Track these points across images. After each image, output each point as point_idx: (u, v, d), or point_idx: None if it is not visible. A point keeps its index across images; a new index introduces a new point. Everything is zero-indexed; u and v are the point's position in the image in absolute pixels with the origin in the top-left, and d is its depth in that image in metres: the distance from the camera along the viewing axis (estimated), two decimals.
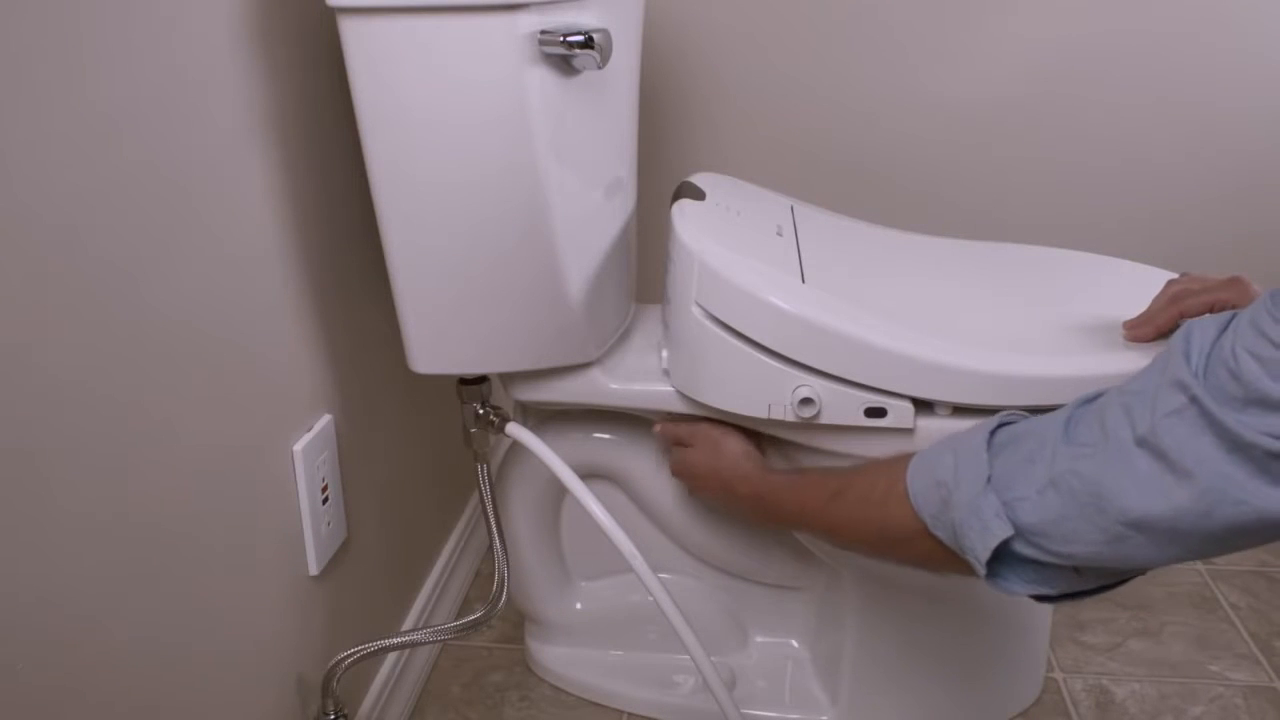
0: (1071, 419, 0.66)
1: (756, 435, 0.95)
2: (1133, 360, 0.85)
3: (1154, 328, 0.86)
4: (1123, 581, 0.69)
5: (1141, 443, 0.61)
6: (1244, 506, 0.58)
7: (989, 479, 0.67)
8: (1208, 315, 0.66)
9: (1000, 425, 0.71)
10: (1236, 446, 0.57)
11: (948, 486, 0.69)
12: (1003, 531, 0.65)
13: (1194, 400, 0.58)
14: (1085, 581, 0.68)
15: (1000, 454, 0.68)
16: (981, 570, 0.67)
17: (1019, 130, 1.34)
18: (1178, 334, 0.63)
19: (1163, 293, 0.87)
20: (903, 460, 0.75)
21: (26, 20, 0.55)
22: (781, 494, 0.88)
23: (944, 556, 0.72)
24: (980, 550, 0.67)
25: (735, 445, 0.94)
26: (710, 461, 0.95)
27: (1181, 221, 1.37)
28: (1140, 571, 0.68)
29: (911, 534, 0.73)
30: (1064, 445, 0.65)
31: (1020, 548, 0.66)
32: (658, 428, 1.00)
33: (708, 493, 0.98)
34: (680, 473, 0.99)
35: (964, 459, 0.69)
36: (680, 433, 0.98)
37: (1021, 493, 0.66)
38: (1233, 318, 0.61)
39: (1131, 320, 0.88)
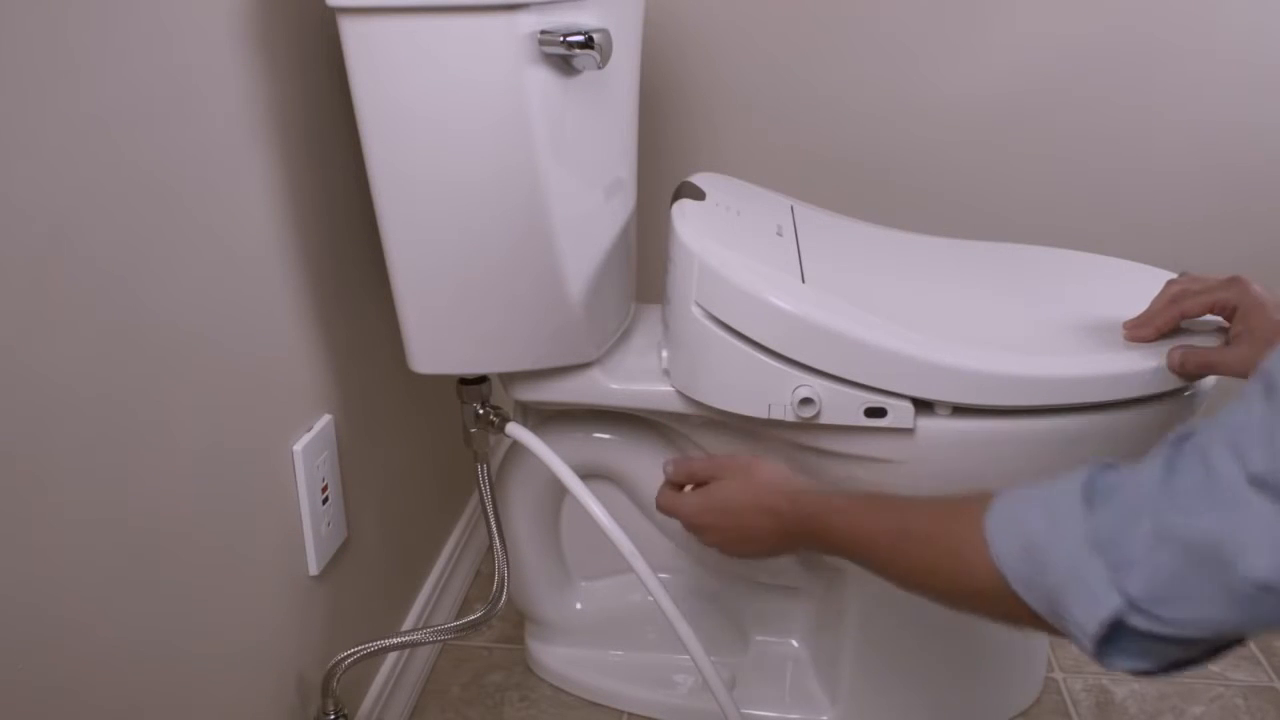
0: (1169, 461, 0.58)
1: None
2: (1133, 361, 0.85)
3: (1154, 328, 0.86)
4: (1233, 644, 0.60)
5: (1258, 482, 0.53)
6: None
7: (1091, 540, 0.59)
8: None
9: (1091, 476, 0.62)
10: None
11: (1041, 548, 0.61)
12: (1112, 603, 0.57)
13: None
14: (1190, 650, 0.59)
15: (1097, 509, 0.60)
16: (1090, 648, 0.59)
17: (1020, 130, 1.34)
18: (1276, 357, 0.55)
19: (1162, 293, 0.87)
20: (976, 505, 0.66)
21: (26, 19, 0.55)
22: (833, 519, 0.78)
23: (1029, 617, 0.63)
24: (1088, 623, 0.58)
25: (771, 465, 0.86)
26: (744, 487, 0.85)
27: (1183, 222, 1.37)
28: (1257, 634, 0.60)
29: (992, 592, 0.64)
30: (1165, 492, 0.57)
31: (1135, 620, 0.57)
32: (669, 468, 0.91)
33: (742, 530, 0.85)
34: (707, 515, 0.87)
35: (1058, 517, 0.61)
36: (697, 469, 0.89)
37: (1129, 554, 0.57)
38: None
39: (1132, 321, 0.88)
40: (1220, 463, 0.54)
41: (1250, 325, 0.81)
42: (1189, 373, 0.84)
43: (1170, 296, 0.86)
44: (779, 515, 0.82)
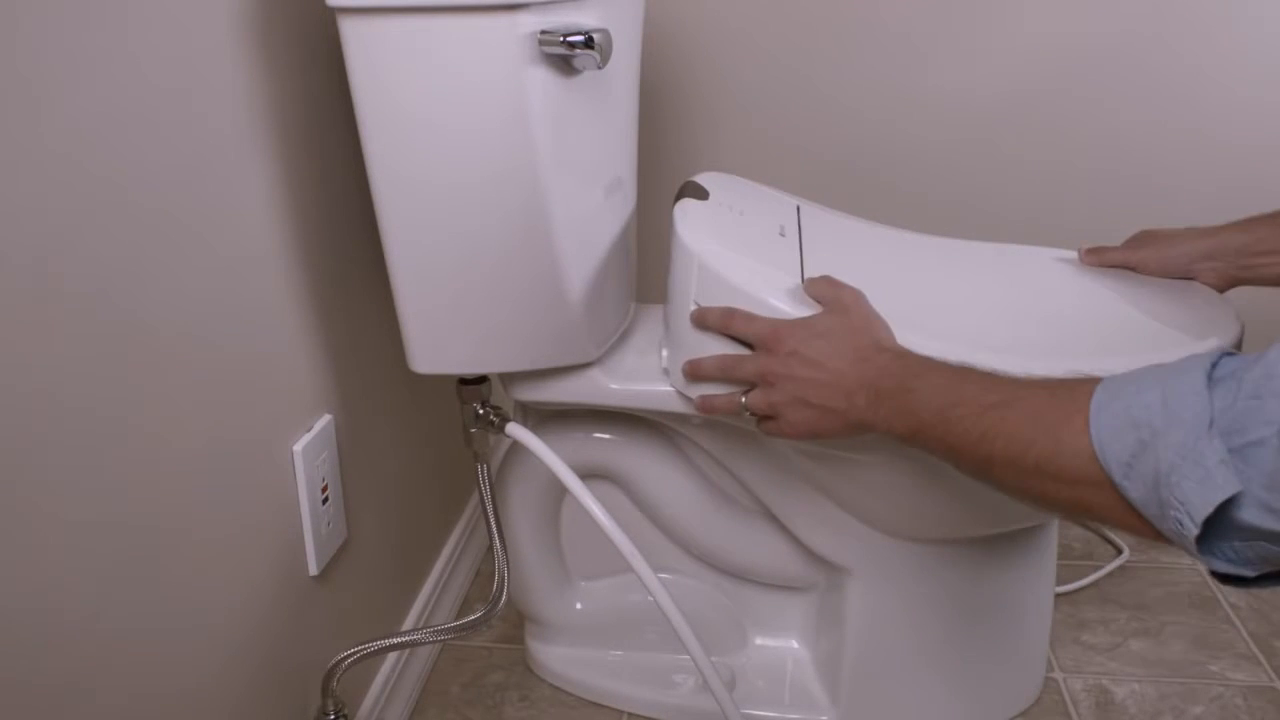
0: None
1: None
2: (1136, 362, 0.85)
3: (1103, 259, 0.97)
4: None
5: None
6: None
7: (1211, 420, 0.55)
8: None
9: (1215, 358, 0.58)
10: None
11: (1152, 428, 0.56)
12: (1229, 486, 0.53)
13: None
14: None
15: (1221, 390, 0.56)
16: (1193, 531, 0.55)
17: (1022, 131, 1.34)
18: None
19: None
20: (1084, 386, 0.62)
21: (27, 20, 0.55)
22: (930, 377, 0.72)
23: (1113, 507, 0.60)
24: (1197, 505, 0.54)
25: (869, 305, 0.79)
26: (840, 318, 0.77)
27: (1184, 222, 1.37)
28: None
29: (1081, 475, 0.61)
30: None
31: (1247, 513, 0.53)
32: (702, 317, 0.83)
33: (826, 373, 0.77)
34: (789, 341, 0.78)
35: (1177, 396, 0.57)
36: (760, 330, 0.81)
37: (1254, 436, 0.53)
38: None
39: (1092, 247, 0.99)
40: None
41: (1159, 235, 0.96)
42: (1097, 265, 0.96)
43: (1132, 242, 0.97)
44: (869, 363, 0.75)
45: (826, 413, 0.78)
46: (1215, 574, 0.58)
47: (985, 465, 0.68)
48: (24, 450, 0.56)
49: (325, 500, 0.90)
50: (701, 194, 0.99)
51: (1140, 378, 0.60)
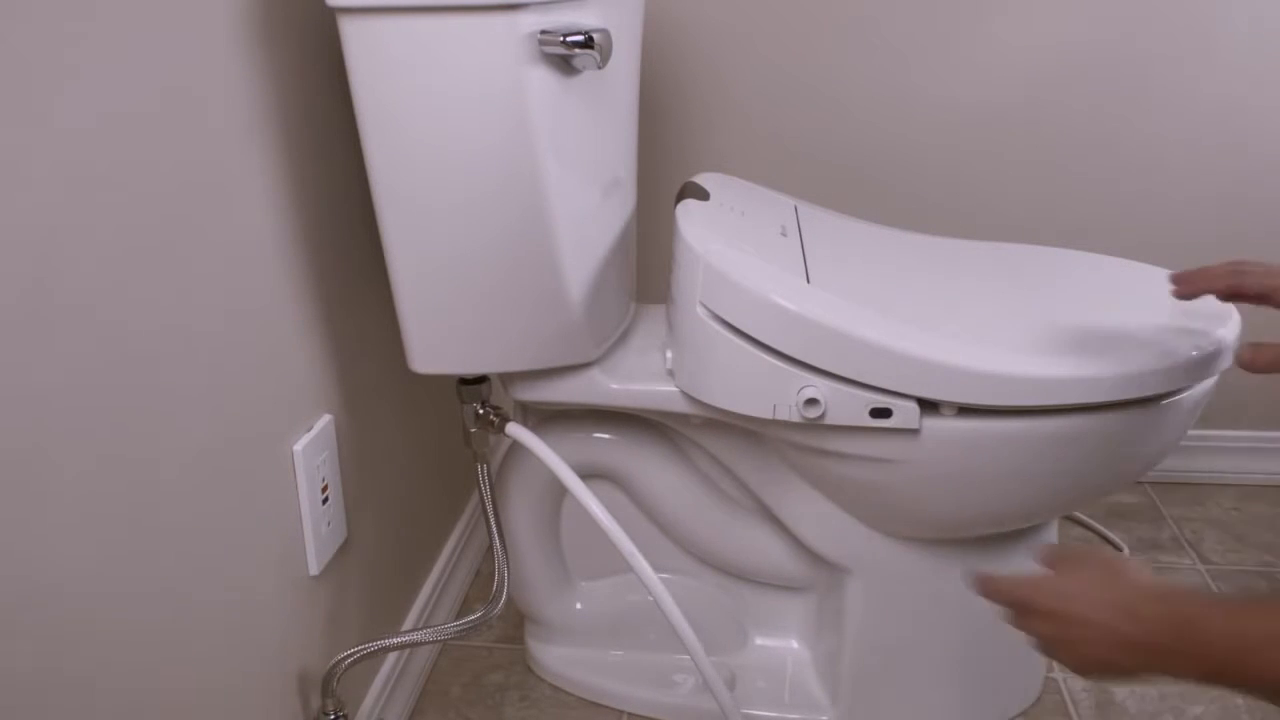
0: None
1: None
2: (1138, 362, 0.85)
3: (1199, 288, 0.77)
4: None
5: None
6: None
7: None
8: None
9: None
10: None
11: None
12: None
13: None
14: None
15: None
16: None
17: (1018, 132, 1.35)
18: None
19: (1223, 263, 0.79)
20: None
21: (27, 19, 0.55)
22: (1217, 620, 0.62)
23: None
24: None
25: (1137, 565, 0.70)
26: (1104, 579, 0.68)
27: (1177, 222, 1.38)
28: None
29: None
30: None
31: None
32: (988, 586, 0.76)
33: (1087, 624, 0.68)
34: (1047, 596, 0.71)
35: None
36: (1024, 590, 0.72)
37: None
38: None
39: (1182, 274, 0.79)
40: None
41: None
42: (1260, 368, 0.75)
43: (1231, 264, 0.77)
44: (1139, 620, 0.66)
45: (1086, 651, 0.69)
46: None
47: None
48: (24, 451, 0.56)
49: (325, 500, 0.90)
50: (702, 195, 0.99)
51: None
